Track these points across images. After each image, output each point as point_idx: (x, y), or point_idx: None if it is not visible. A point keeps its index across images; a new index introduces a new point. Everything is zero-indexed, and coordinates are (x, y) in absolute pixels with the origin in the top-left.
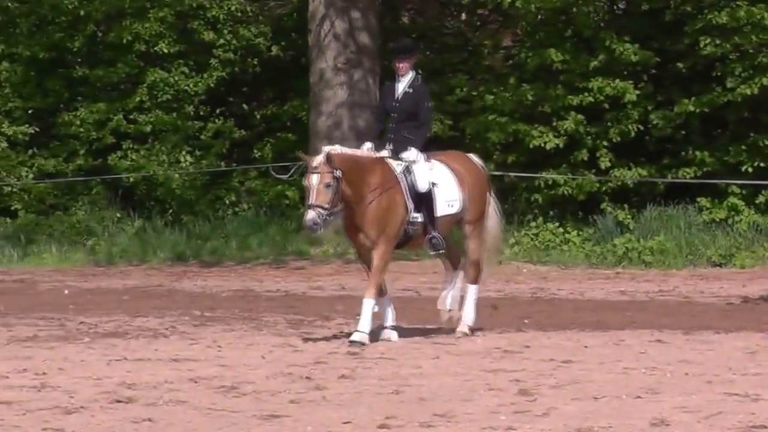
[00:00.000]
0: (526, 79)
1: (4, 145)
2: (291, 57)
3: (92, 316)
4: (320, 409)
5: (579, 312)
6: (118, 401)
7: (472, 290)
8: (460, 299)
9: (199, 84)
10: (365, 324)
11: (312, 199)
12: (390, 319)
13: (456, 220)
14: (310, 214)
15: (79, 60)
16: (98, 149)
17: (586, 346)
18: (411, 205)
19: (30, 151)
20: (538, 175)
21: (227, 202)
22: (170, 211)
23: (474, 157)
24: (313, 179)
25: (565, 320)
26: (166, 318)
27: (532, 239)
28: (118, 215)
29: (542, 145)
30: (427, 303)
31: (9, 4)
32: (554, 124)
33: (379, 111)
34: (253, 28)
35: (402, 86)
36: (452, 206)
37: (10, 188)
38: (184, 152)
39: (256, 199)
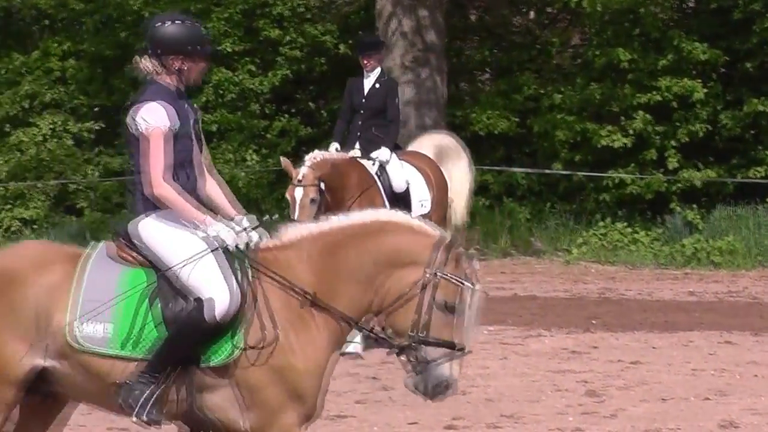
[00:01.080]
0: (594, 77)
1: (70, 142)
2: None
3: None
4: (386, 410)
5: (647, 312)
6: None
7: None
8: None
9: (265, 82)
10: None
11: (295, 215)
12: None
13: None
14: None
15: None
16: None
17: (654, 347)
18: (388, 206)
19: (96, 149)
20: (605, 174)
21: None
22: None
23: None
24: (298, 193)
25: (633, 321)
26: None
27: (600, 239)
28: None
29: (610, 144)
30: (493, 303)
31: (75, 3)
32: (622, 123)
33: (344, 108)
34: (320, 26)
35: (369, 82)
36: (424, 206)
37: (75, 186)
38: (250, 151)
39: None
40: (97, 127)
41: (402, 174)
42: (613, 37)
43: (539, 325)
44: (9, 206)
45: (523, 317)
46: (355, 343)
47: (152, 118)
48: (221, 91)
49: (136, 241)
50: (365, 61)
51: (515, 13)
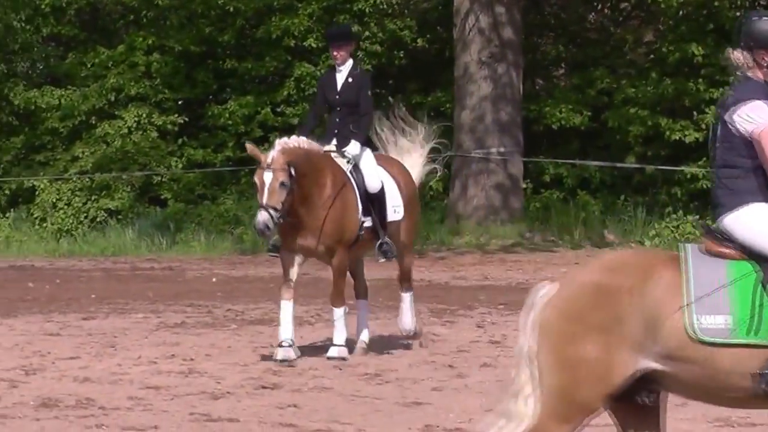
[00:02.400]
0: (667, 73)
1: (155, 135)
2: (436, 50)
3: (239, 303)
4: (462, 397)
5: None
6: (264, 387)
7: (408, 298)
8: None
9: None
10: (341, 336)
11: (264, 199)
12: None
13: (396, 228)
14: (263, 216)
15: (228, 53)
16: (246, 141)
17: None
18: (361, 207)
19: (179, 141)
20: (678, 168)
21: None
22: None
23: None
24: (266, 177)
25: None
26: (311, 306)
27: (672, 231)
28: None
29: (682, 138)
30: None
31: None
32: (694, 117)
33: (318, 103)
34: (399, 22)
35: (342, 76)
36: (397, 212)
37: (159, 178)
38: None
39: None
40: (180, 120)
41: (376, 173)
42: (687, 32)
43: None
44: (95, 197)
45: None
46: (339, 347)
47: (761, 117)
48: (303, 86)
49: (733, 235)
50: (335, 53)
51: (590, 9)
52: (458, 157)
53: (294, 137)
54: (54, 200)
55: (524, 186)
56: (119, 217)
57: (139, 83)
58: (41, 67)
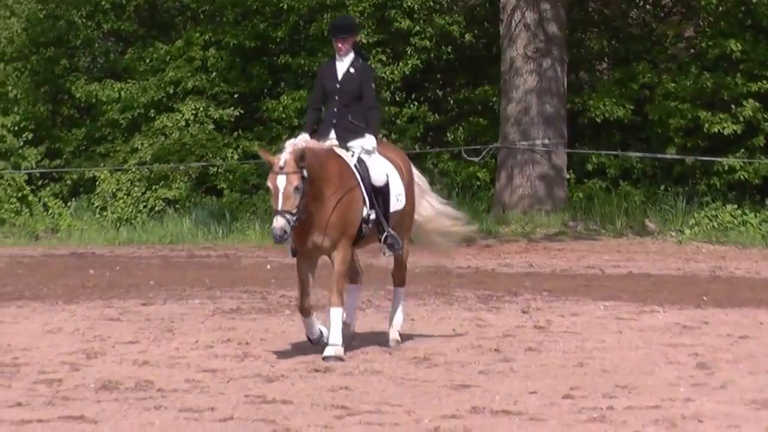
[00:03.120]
0: (706, 67)
1: (211, 127)
2: (483, 45)
3: (292, 289)
4: (508, 380)
5: (755, 290)
6: (316, 370)
7: (400, 294)
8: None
9: (396, 71)
10: (336, 336)
11: (279, 205)
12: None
13: (399, 217)
14: (279, 222)
15: (282, 49)
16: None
17: (761, 323)
18: (367, 201)
19: (235, 134)
20: (716, 159)
21: None
22: None
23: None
24: (280, 181)
25: (742, 298)
26: (363, 293)
27: (710, 220)
28: None
29: (721, 131)
30: (610, 280)
31: None
32: (733, 111)
33: (316, 96)
34: (448, 17)
35: (343, 67)
36: (399, 201)
37: (216, 168)
38: (381, 136)
39: (448, 180)
40: (236, 113)
41: (382, 167)
42: (726, 29)
43: (653, 301)
44: (154, 187)
45: (637, 294)
46: (336, 347)
47: None
48: None
49: None
50: (339, 45)
51: (632, 6)
52: (504, 149)
53: (301, 136)
54: (114, 190)
55: (568, 176)
56: (177, 206)
57: (196, 77)
58: (102, 61)
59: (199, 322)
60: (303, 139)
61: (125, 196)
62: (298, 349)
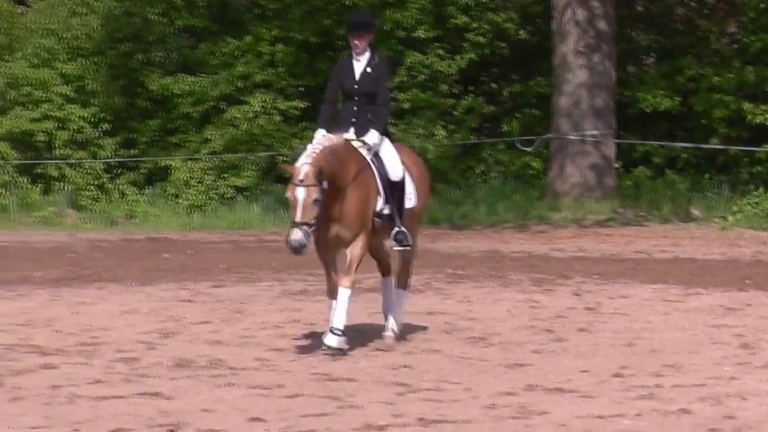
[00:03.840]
0: (749, 61)
1: (279, 118)
2: (536, 41)
3: (360, 273)
4: (560, 359)
5: None
6: (379, 349)
7: (401, 295)
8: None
9: (453, 65)
10: (340, 319)
11: (298, 217)
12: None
13: (409, 216)
14: (297, 234)
15: (345, 44)
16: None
17: None
18: (382, 195)
19: (301, 124)
20: (759, 148)
21: (477, 171)
22: None
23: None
24: (299, 193)
25: None
26: (421, 275)
27: (753, 207)
28: None
29: (763, 121)
30: (657, 264)
31: None
32: None
33: (332, 92)
34: (502, 14)
35: (360, 66)
36: (410, 200)
37: (283, 158)
38: (438, 126)
39: (503, 169)
40: (302, 105)
41: (398, 162)
42: (767, 24)
43: (698, 284)
44: (224, 175)
45: (683, 277)
46: (337, 337)
47: None
48: (414, 73)
49: None
50: (356, 42)
51: (678, 3)
52: (556, 140)
53: (319, 137)
54: (187, 178)
55: (616, 165)
56: (246, 193)
57: (264, 71)
58: (175, 56)
59: (267, 304)
60: (320, 142)
61: (197, 184)
62: (361, 329)
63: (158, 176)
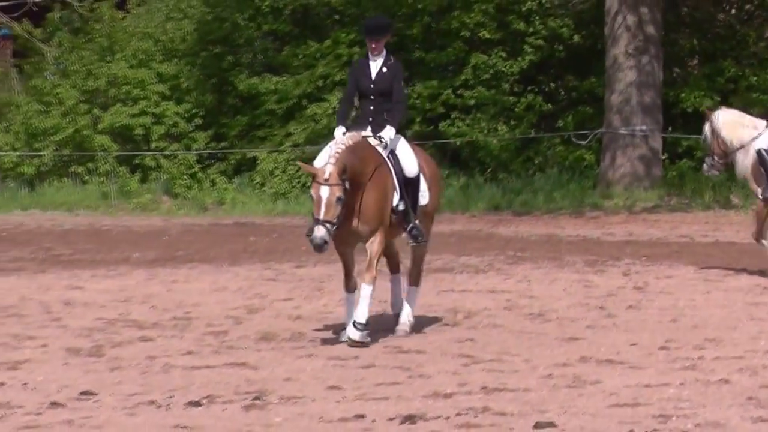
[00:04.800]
0: None
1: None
2: (589, 44)
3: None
4: (611, 334)
5: None
6: (446, 324)
7: (413, 292)
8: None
9: (514, 66)
10: (363, 314)
11: (321, 214)
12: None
13: (421, 213)
14: (320, 231)
15: (416, 45)
16: (431, 118)
17: None
18: (398, 191)
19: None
20: None
21: (536, 163)
22: (489, 170)
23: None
24: (323, 192)
25: None
26: (485, 257)
27: None
28: (447, 172)
29: None
30: (699, 247)
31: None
32: None
33: (349, 91)
34: (559, 20)
35: (376, 66)
36: (424, 197)
37: None
38: (500, 122)
39: (559, 161)
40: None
41: (413, 158)
42: None
43: (737, 265)
44: None
45: (723, 259)
46: (359, 332)
47: None
48: (478, 73)
49: None
50: (372, 45)
51: (719, 10)
52: (608, 134)
53: (339, 129)
54: (271, 168)
55: (663, 157)
56: None
57: (342, 71)
58: (261, 58)
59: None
60: (341, 141)
61: (281, 174)
62: (429, 306)
63: (245, 167)
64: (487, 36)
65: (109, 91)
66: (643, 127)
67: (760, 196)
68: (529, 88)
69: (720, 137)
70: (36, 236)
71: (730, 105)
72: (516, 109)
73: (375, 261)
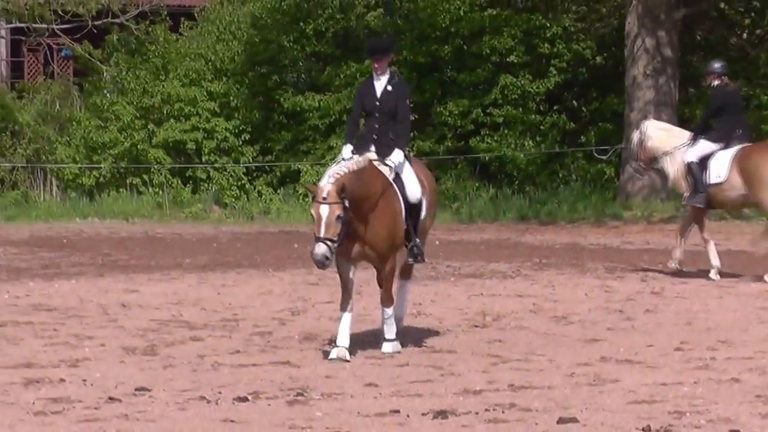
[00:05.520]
0: None
1: None
2: (611, 65)
3: (456, 261)
4: (630, 335)
5: None
6: (476, 326)
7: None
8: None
9: (540, 86)
10: (391, 330)
11: (321, 233)
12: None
13: (421, 227)
14: (321, 249)
15: (449, 66)
16: (462, 134)
17: None
18: (404, 214)
19: (411, 135)
20: None
21: (560, 176)
22: (516, 182)
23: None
24: (323, 210)
25: None
26: (513, 263)
27: None
28: (477, 185)
29: None
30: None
31: (397, 23)
32: None
33: (356, 111)
34: (582, 43)
35: (381, 85)
36: (422, 211)
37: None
38: (527, 138)
39: (582, 174)
40: (412, 118)
41: (416, 183)
42: None
43: (747, 272)
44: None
45: (734, 267)
46: (393, 342)
47: None
48: (506, 93)
49: None
50: (376, 65)
51: (732, 34)
52: (628, 149)
53: (346, 148)
54: (314, 180)
55: None
56: None
57: None
58: (305, 77)
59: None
60: (344, 165)
61: None
62: (460, 309)
63: (290, 178)
64: (515, 60)
65: (163, 108)
66: None
67: (684, 202)
68: (554, 107)
69: (646, 145)
70: (95, 243)
71: None
72: (542, 127)
73: (390, 285)
